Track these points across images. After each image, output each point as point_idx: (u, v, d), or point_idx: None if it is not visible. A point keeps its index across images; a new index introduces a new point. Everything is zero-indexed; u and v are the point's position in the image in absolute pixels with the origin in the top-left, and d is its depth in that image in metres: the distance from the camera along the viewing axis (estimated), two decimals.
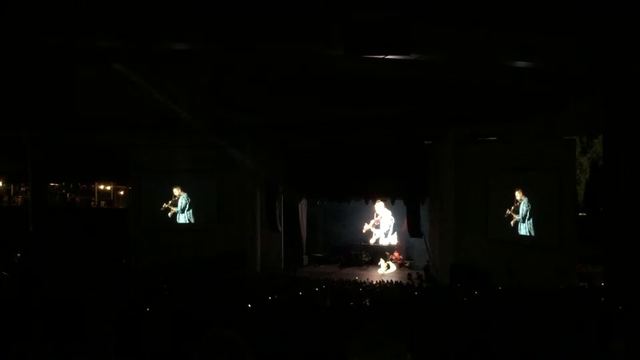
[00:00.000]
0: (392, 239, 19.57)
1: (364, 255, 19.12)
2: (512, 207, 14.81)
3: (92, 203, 27.30)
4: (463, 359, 4.51)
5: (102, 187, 27.85)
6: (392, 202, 18.34)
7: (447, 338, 5.24)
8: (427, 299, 10.18)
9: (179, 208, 17.70)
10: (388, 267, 18.38)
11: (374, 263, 18.82)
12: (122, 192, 27.33)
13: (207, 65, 11.69)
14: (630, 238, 10.63)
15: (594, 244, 13.75)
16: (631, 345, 5.19)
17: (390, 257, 18.80)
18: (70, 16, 8.11)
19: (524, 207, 14.57)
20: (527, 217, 14.46)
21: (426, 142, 17.02)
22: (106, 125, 16.24)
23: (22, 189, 25.49)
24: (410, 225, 17.04)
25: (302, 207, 19.68)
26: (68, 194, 27.26)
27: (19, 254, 15.98)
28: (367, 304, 8.65)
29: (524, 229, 14.58)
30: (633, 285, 10.16)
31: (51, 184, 23.34)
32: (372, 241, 19.82)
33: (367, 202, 18.70)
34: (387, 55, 8.08)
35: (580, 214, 17.69)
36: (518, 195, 14.68)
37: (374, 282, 14.50)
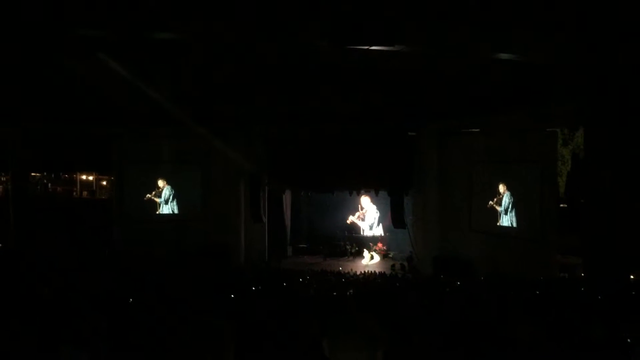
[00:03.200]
0: (377, 231, 19.67)
1: (348, 246, 19.21)
2: (495, 199, 14.96)
3: (74, 193, 27.03)
4: (440, 352, 4.56)
5: (84, 177, 27.58)
6: (376, 194, 18.43)
7: (424, 331, 5.30)
8: (405, 291, 10.25)
9: (162, 199, 17.60)
10: (372, 257, 18.49)
11: (358, 254, 18.92)
12: (104, 183, 27.11)
13: (191, 55, 11.61)
14: (609, 229, 10.80)
15: (575, 235, 13.93)
16: (610, 333, 5.29)
17: (374, 247, 18.91)
18: (54, 5, 8.02)
19: (506, 199, 14.72)
20: (510, 209, 14.62)
21: (410, 134, 17.10)
22: (90, 115, 16.08)
23: (2, 178, 25.13)
24: (394, 216, 17.15)
25: (286, 198, 19.70)
26: (50, 184, 26.96)
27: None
28: (350, 293, 8.72)
29: (506, 221, 14.74)
30: (612, 276, 10.34)
31: (32, 174, 23.03)
32: (357, 233, 19.88)
33: (350, 194, 18.77)
34: (371, 47, 8.10)
35: (561, 205, 17.88)
36: (501, 188, 14.83)
37: (358, 273, 14.58)
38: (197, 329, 1.92)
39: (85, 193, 26.83)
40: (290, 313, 5.97)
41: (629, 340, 4.83)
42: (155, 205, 17.58)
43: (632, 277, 11.59)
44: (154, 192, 17.54)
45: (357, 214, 19.89)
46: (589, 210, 11.60)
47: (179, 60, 11.71)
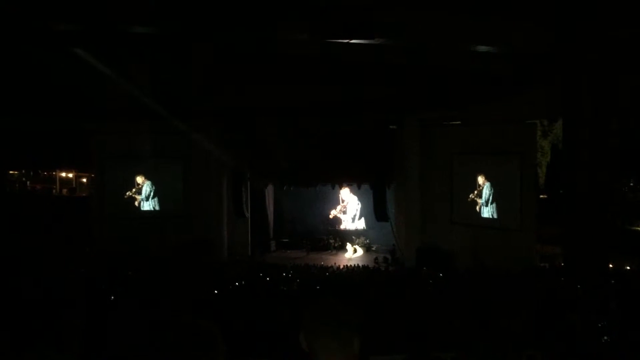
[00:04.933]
0: (359, 224, 19.71)
1: (331, 240, 19.22)
2: (476, 191, 15.08)
3: (54, 191, 26.74)
4: (418, 340, 4.60)
5: (64, 174, 27.29)
6: (359, 187, 18.46)
7: (401, 321, 5.33)
8: (381, 282, 10.30)
9: (143, 196, 17.45)
10: (355, 251, 18.53)
11: (341, 247, 18.94)
12: (84, 180, 26.84)
13: (171, 49, 11.51)
14: (588, 220, 10.93)
15: (554, 225, 14.09)
16: (587, 321, 5.38)
17: (357, 241, 18.94)
18: None
19: (486, 191, 14.85)
20: (490, 201, 14.74)
21: (391, 127, 17.13)
22: (68, 111, 15.85)
23: None
24: (376, 209, 17.18)
25: (269, 193, 19.64)
26: (28, 182, 26.63)
27: None
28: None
29: (487, 212, 14.87)
30: (590, 266, 10.47)
31: (10, 172, 22.71)
32: (339, 226, 19.90)
33: (333, 188, 18.78)
34: (351, 40, 8.09)
35: (541, 196, 18.09)
36: (481, 179, 14.95)
37: (341, 267, 14.60)
38: (186, 331, 1.89)
39: (65, 190, 26.56)
40: (273, 310, 5.97)
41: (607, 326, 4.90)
42: (136, 202, 17.42)
43: (610, 266, 11.78)
44: (134, 189, 17.39)
45: (338, 207, 19.91)
46: (568, 201, 11.72)
47: (157, 53, 11.60)
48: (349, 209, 19.86)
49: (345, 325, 1.84)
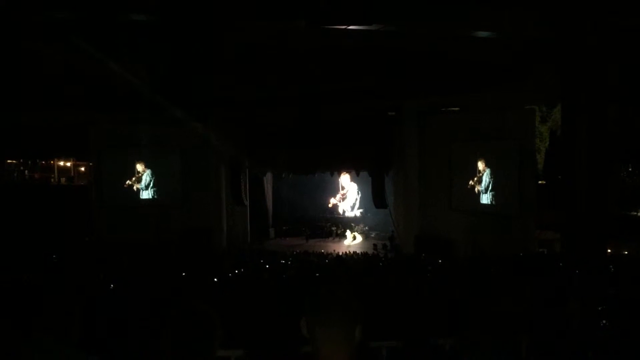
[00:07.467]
0: (358, 212, 19.74)
1: (334, 227, 19.24)
2: (475, 178, 15.03)
3: (52, 180, 26.69)
4: (418, 331, 4.61)
5: (62, 163, 27.23)
6: (357, 174, 18.46)
7: (402, 309, 5.34)
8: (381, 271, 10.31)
9: (142, 184, 17.40)
10: (354, 238, 18.56)
11: (340, 235, 18.97)
12: (83, 169, 26.79)
13: (168, 38, 11.43)
14: (586, 205, 10.94)
15: (553, 211, 14.10)
16: (586, 306, 5.39)
17: (356, 228, 18.97)
18: None
19: (486, 177, 14.79)
20: (490, 187, 14.70)
21: (390, 114, 17.07)
22: (66, 100, 15.77)
23: None
24: (375, 196, 17.19)
25: (268, 181, 19.65)
26: (27, 171, 26.57)
27: None
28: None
29: (486, 198, 14.84)
30: (589, 251, 10.50)
31: (8, 161, 22.66)
32: (338, 213, 19.93)
33: (332, 175, 18.79)
34: (348, 26, 8.04)
35: (540, 182, 18.07)
36: (481, 165, 14.90)
37: (340, 253, 14.64)
38: (184, 316, 1.89)
39: (63, 180, 26.49)
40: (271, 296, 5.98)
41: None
42: (135, 191, 17.39)
43: (609, 251, 11.81)
44: (134, 178, 17.34)
45: (338, 195, 19.91)
46: (566, 187, 11.72)
47: (155, 42, 11.53)
48: (348, 197, 19.87)
49: (347, 314, 1.82)
